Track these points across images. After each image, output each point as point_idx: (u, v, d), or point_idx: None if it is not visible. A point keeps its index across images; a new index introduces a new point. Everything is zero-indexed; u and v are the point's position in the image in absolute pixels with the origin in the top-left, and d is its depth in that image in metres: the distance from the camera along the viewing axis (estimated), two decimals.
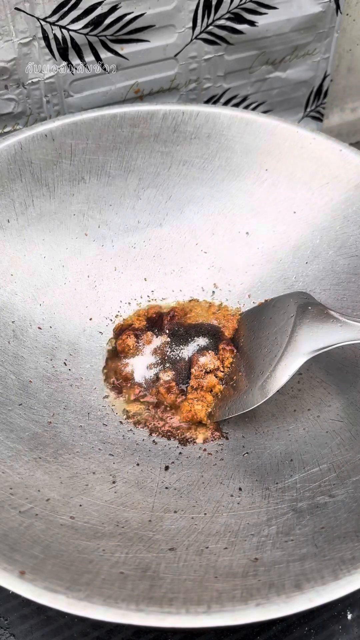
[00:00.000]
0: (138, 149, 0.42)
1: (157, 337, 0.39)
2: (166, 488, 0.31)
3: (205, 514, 0.29)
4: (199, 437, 0.35)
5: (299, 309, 0.33)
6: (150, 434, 0.35)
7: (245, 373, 0.35)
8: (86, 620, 0.22)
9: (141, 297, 0.42)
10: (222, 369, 0.36)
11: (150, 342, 0.38)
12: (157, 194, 0.43)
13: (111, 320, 0.41)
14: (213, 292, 0.42)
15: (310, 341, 0.31)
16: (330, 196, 0.40)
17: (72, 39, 0.40)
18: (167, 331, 0.38)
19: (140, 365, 0.38)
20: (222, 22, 0.43)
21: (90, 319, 0.40)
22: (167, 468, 0.32)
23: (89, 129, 0.41)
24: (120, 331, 0.39)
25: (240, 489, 0.31)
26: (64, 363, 0.37)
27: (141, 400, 0.36)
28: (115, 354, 0.39)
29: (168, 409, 0.36)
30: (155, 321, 0.40)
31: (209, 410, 0.35)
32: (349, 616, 0.30)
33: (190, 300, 0.42)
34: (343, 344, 0.31)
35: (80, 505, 0.28)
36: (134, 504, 0.29)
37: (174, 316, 0.39)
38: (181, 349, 0.38)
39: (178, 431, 0.35)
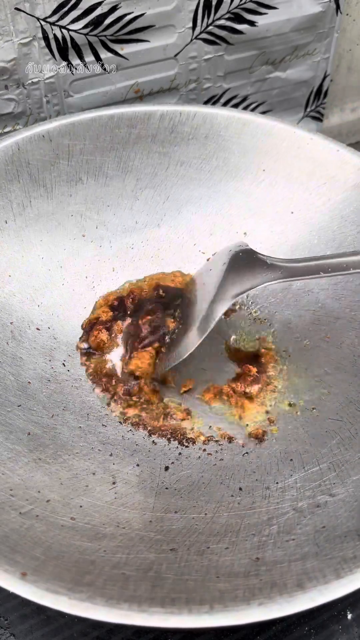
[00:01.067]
0: (136, 149, 0.42)
1: (124, 322, 0.39)
2: (166, 488, 0.31)
3: (205, 514, 0.29)
4: (199, 438, 0.35)
5: (232, 257, 0.35)
6: (150, 435, 0.35)
7: (185, 324, 0.36)
8: (86, 620, 0.22)
9: None
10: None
11: (122, 331, 0.38)
12: (154, 194, 0.43)
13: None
14: None
15: (237, 284, 0.34)
16: (327, 196, 0.41)
17: (72, 39, 0.40)
18: (130, 313, 0.39)
19: (118, 358, 0.38)
20: (222, 22, 0.43)
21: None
22: (167, 468, 0.32)
23: (86, 130, 0.41)
24: (90, 327, 0.39)
25: (240, 488, 0.31)
26: (63, 364, 0.37)
27: (129, 402, 0.36)
28: (90, 353, 0.38)
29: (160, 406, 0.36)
30: (118, 307, 0.40)
31: (152, 363, 0.36)
32: (349, 616, 0.30)
33: (144, 278, 0.42)
34: (266, 284, 0.33)
35: (81, 506, 0.28)
36: (134, 504, 0.29)
37: (135, 297, 0.39)
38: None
39: (178, 432, 0.35)
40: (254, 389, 0.36)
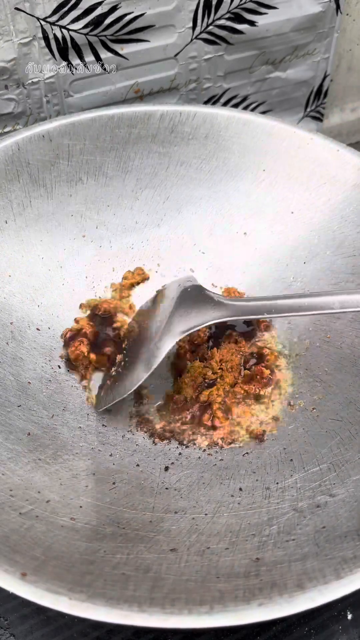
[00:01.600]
0: (136, 149, 0.42)
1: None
2: (166, 489, 0.31)
3: (206, 514, 0.29)
4: (203, 442, 0.34)
5: (180, 292, 0.35)
6: (150, 436, 0.35)
7: (131, 357, 0.36)
8: (86, 620, 0.22)
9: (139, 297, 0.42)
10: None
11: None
12: (154, 194, 0.43)
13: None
14: None
15: (184, 321, 0.34)
16: (328, 196, 0.41)
17: (72, 38, 0.40)
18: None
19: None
20: (222, 22, 0.43)
21: None
22: (167, 469, 0.32)
23: (86, 130, 0.41)
24: (70, 338, 0.38)
25: (240, 489, 0.31)
26: (59, 365, 0.37)
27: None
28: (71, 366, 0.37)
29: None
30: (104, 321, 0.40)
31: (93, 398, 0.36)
32: (349, 616, 0.30)
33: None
34: (211, 323, 0.34)
35: (81, 507, 0.28)
36: (134, 504, 0.29)
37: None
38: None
39: (180, 435, 0.35)
40: (267, 390, 0.36)
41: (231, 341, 0.39)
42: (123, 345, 0.38)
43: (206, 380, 0.36)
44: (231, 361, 0.37)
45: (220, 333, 0.39)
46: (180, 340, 0.35)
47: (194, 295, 0.35)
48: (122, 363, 0.37)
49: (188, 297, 0.35)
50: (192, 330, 0.33)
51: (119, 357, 0.37)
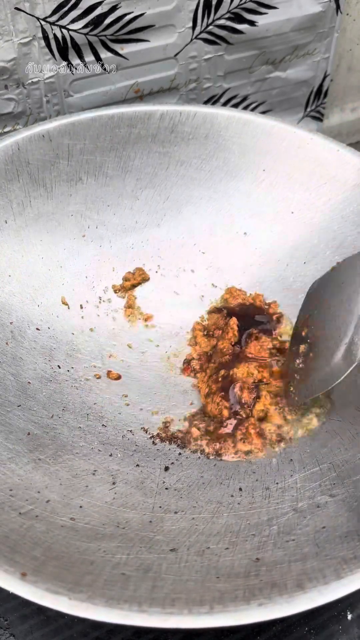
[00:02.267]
0: (136, 149, 0.42)
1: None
2: (166, 489, 0.31)
3: (205, 514, 0.29)
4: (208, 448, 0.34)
5: None
6: (150, 438, 0.35)
7: (318, 348, 0.33)
8: (86, 620, 0.22)
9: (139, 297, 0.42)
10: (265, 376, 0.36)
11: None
12: (155, 194, 0.43)
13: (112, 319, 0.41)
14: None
15: None
16: (328, 196, 0.41)
17: (72, 38, 0.40)
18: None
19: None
20: (222, 22, 0.43)
21: (89, 320, 0.40)
22: (167, 469, 0.32)
23: (86, 130, 0.41)
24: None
25: (240, 489, 0.31)
26: (60, 365, 0.37)
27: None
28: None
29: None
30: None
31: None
32: (349, 616, 0.30)
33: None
34: None
35: (81, 507, 0.28)
36: (134, 504, 0.29)
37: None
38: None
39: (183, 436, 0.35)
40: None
41: (253, 339, 0.38)
42: (303, 334, 0.35)
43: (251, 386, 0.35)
44: (262, 360, 0.37)
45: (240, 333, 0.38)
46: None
47: None
48: (309, 354, 0.34)
49: None
50: None
51: (302, 348, 0.34)
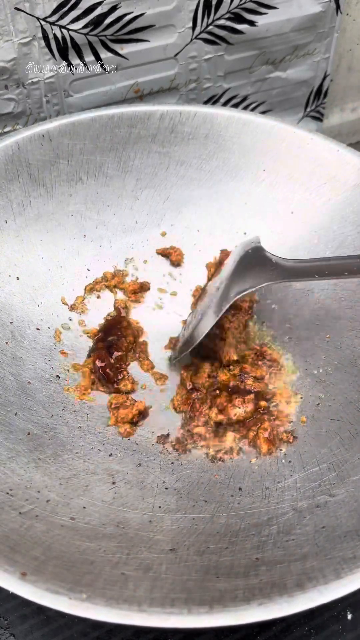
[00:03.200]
0: (136, 149, 0.42)
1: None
2: (166, 489, 0.31)
3: (205, 514, 0.29)
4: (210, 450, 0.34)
5: (242, 254, 0.36)
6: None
7: (199, 313, 0.37)
8: (86, 620, 0.22)
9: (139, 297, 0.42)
10: None
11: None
12: (154, 194, 0.43)
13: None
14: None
15: (240, 283, 0.34)
16: (328, 196, 0.41)
17: (72, 38, 0.40)
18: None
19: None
20: (222, 22, 0.43)
21: (89, 320, 0.40)
22: (167, 469, 0.32)
23: (86, 130, 0.41)
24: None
25: (240, 489, 0.31)
26: (63, 364, 0.37)
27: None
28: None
29: None
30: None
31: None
32: (349, 616, 0.30)
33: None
34: (265, 284, 0.34)
35: (81, 507, 0.28)
36: (134, 504, 0.29)
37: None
38: None
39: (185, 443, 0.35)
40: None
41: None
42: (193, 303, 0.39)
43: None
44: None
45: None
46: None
47: (252, 257, 0.35)
48: (191, 320, 0.38)
49: (247, 258, 0.35)
50: (246, 293, 0.34)
51: (189, 317, 0.39)
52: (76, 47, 0.40)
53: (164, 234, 0.43)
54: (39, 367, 0.36)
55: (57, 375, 0.36)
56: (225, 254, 0.41)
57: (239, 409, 0.35)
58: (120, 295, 0.42)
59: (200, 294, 0.40)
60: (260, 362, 0.38)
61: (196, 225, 0.43)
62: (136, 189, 0.43)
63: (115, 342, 0.38)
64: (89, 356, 0.38)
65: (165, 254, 0.43)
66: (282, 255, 0.41)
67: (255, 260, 0.35)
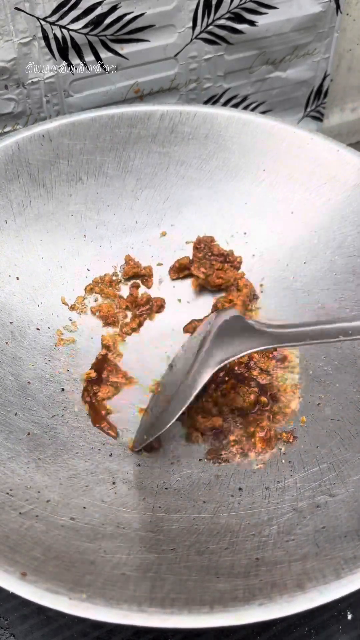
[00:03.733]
0: (136, 149, 0.42)
1: None
2: (166, 488, 0.31)
3: (205, 514, 0.29)
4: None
5: (220, 323, 0.34)
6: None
7: (166, 392, 0.34)
8: (86, 620, 0.22)
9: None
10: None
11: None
12: (155, 194, 0.43)
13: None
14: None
15: (223, 351, 0.32)
16: (328, 196, 0.41)
17: (72, 38, 0.40)
18: None
19: None
20: (222, 22, 0.43)
21: (89, 320, 0.40)
22: (167, 468, 0.32)
23: (86, 130, 0.41)
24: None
25: (240, 489, 0.31)
26: (63, 364, 0.37)
27: None
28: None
29: None
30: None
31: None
32: (349, 616, 0.30)
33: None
34: (252, 351, 0.31)
35: (81, 507, 0.28)
36: (134, 504, 0.29)
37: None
38: None
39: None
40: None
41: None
42: (156, 387, 0.37)
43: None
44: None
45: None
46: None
47: (233, 325, 0.33)
48: (159, 397, 0.35)
49: (228, 326, 0.33)
50: (230, 359, 0.31)
51: (150, 397, 0.36)
52: (76, 47, 0.40)
53: (164, 234, 0.43)
54: (39, 367, 0.36)
55: (62, 389, 0.36)
56: (193, 325, 0.40)
57: (240, 397, 0.35)
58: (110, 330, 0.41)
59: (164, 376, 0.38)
60: (270, 355, 0.37)
61: (196, 225, 0.43)
62: (136, 189, 0.43)
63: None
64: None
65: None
66: (282, 255, 0.41)
67: (236, 327, 0.33)
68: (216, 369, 0.31)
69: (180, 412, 0.31)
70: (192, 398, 0.31)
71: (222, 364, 0.31)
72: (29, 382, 0.34)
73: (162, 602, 0.22)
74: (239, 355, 0.31)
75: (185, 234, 0.43)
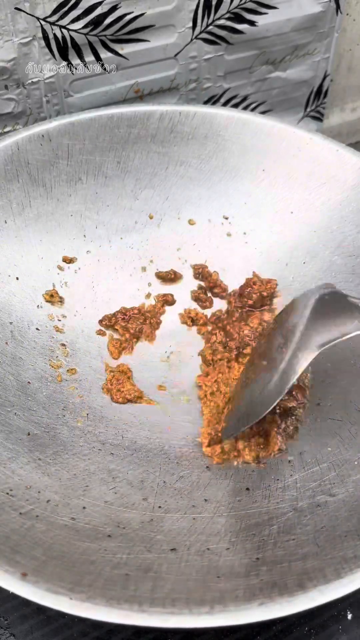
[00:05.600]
0: (135, 149, 0.42)
1: None
2: (166, 489, 0.31)
3: (205, 514, 0.29)
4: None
5: (317, 301, 0.31)
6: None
7: (257, 382, 0.33)
8: (86, 620, 0.22)
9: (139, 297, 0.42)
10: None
11: None
12: (154, 194, 0.43)
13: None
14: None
15: (323, 334, 0.29)
16: (327, 196, 0.41)
17: (72, 38, 0.40)
18: None
19: None
20: (222, 21, 0.43)
21: (89, 320, 0.40)
22: (167, 468, 0.32)
23: (85, 130, 0.41)
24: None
25: (242, 488, 0.31)
26: (63, 364, 0.37)
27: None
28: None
29: None
30: None
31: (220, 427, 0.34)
32: (349, 616, 0.30)
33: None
34: (356, 333, 0.29)
35: (81, 507, 0.28)
36: (134, 504, 0.29)
37: None
38: None
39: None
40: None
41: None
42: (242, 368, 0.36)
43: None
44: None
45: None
46: None
47: (333, 303, 0.31)
48: (245, 385, 0.34)
49: (326, 305, 0.31)
50: (332, 343, 0.29)
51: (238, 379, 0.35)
52: (76, 47, 0.40)
53: (163, 234, 0.43)
54: (39, 367, 0.36)
55: (62, 389, 0.36)
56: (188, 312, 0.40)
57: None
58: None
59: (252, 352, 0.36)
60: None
61: (196, 225, 0.43)
62: (136, 189, 0.43)
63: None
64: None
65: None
66: (282, 255, 0.41)
67: (336, 306, 0.30)
68: (316, 353, 0.29)
69: (276, 402, 0.30)
70: (289, 387, 0.29)
71: (323, 348, 0.29)
72: (29, 382, 0.34)
73: (162, 602, 0.22)
74: (342, 338, 0.29)
75: (185, 234, 0.43)
